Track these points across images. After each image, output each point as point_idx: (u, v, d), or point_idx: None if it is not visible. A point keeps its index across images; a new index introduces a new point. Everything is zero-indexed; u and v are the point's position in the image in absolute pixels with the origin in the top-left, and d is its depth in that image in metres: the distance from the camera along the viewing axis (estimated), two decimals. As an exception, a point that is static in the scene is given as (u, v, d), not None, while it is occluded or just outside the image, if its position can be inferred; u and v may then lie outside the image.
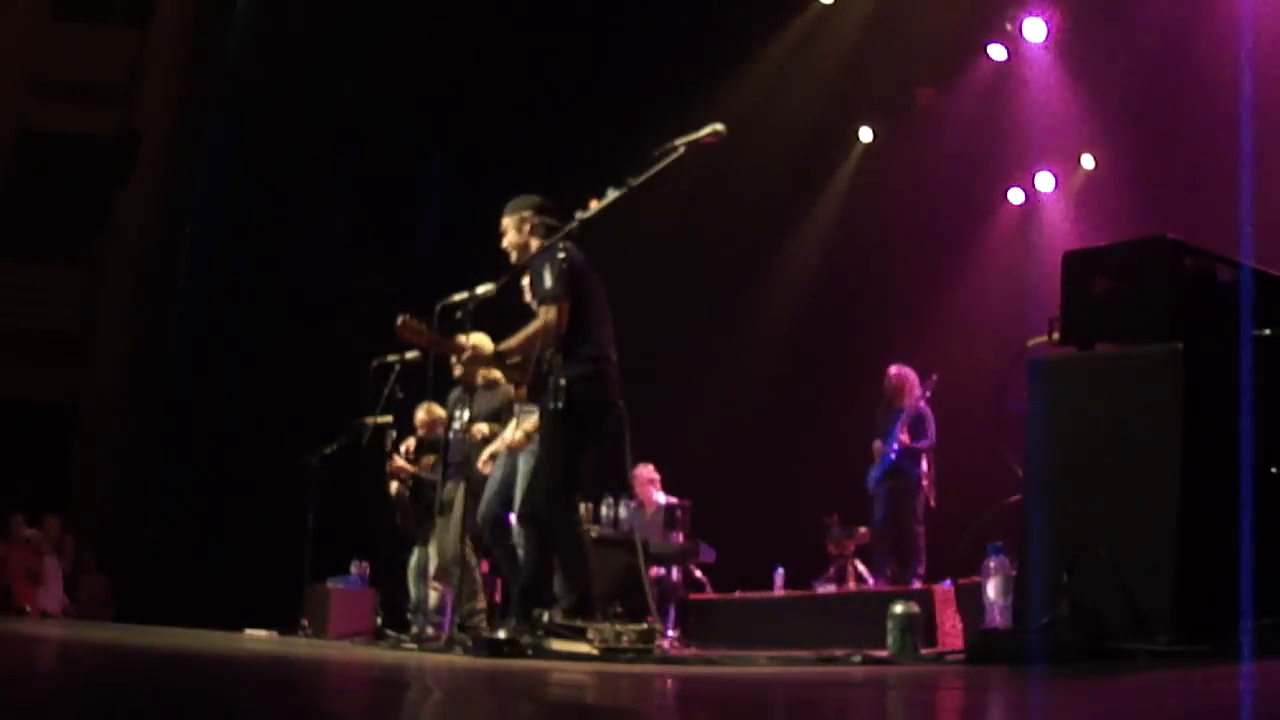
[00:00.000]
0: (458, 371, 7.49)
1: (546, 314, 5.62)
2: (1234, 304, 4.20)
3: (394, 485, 8.53)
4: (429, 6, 12.81)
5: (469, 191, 11.99)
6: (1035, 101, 10.56)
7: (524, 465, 6.54)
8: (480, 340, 6.41)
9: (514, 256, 6.08)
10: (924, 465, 9.19)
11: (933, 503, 9.17)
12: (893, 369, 9.41)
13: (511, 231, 6.02)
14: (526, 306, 6.18)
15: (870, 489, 9.37)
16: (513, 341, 5.83)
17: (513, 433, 6.81)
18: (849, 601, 8.36)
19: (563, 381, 5.44)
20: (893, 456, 9.19)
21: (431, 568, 7.89)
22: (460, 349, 5.95)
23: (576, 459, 5.62)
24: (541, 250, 5.73)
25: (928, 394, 9.27)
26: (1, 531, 11.94)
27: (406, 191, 13.81)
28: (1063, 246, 4.98)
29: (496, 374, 7.27)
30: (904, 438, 9.14)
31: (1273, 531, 3.88)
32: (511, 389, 7.18)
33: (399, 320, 6.00)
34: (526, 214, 5.99)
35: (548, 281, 5.60)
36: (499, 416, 7.32)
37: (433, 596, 7.88)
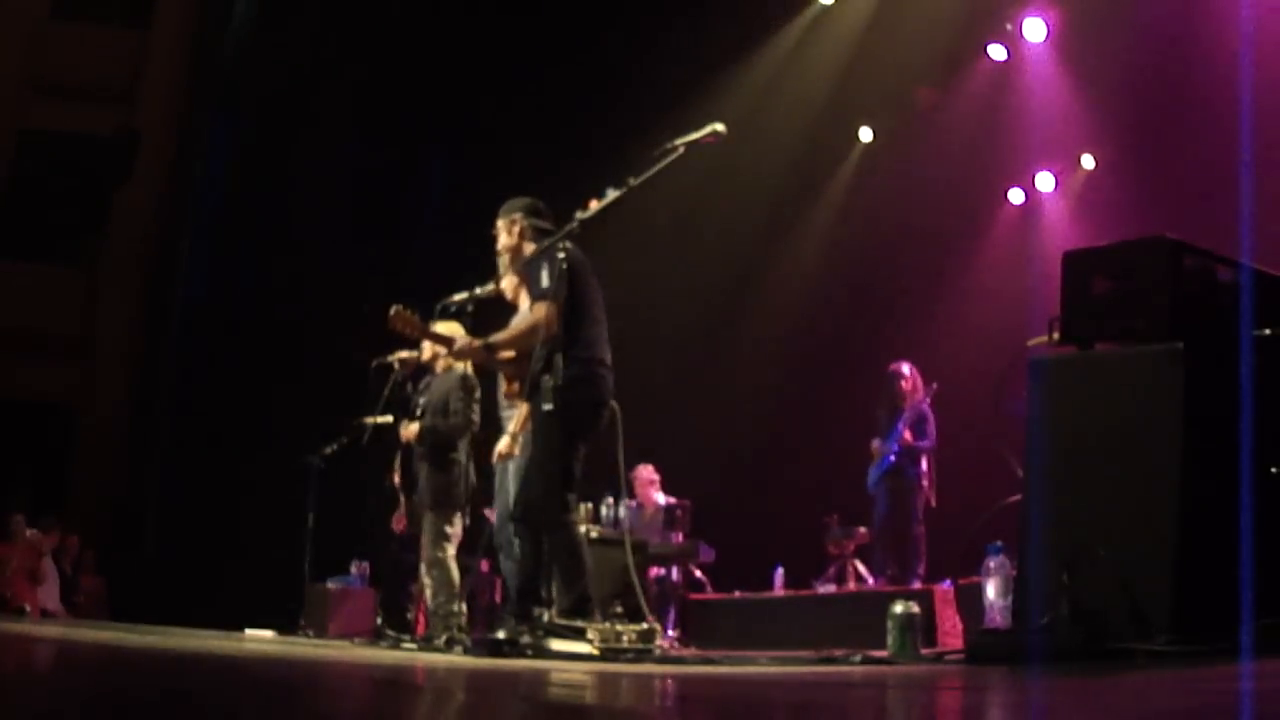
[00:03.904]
0: (425, 355, 7.58)
1: (539, 311, 5.62)
2: (1234, 304, 4.20)
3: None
4: (429, 6, 12.81)
5: (469, 191, 11.99)
6: (1035, 101, 10.56)
7: (515, 466, 6.55)
8: (453, 329, 6.47)
9: (506, 259, 6.09)
10: (924, 465, 9.19)
11: (933, 502, 9.17)
12: (904, 368, 9.39)
13: (503, 234, 6.05)
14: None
15: (870, 489, 9.37)
16: (504, 335, 5.83)
17: (504, 441, 6.86)
18: (849, 601, 8.35)
19: (556, 382, 5.44)
20: (892, 458, 9.18)
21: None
22: (449, 341, 5.96)
23: (571, 459, 5.62)
24: (543, 250, 5.73)
25: (928, 400, 9.26)
26: (2, 532, 11.94)
27: (406, 191, 13.81)
28: (1063, 246, 4.97)
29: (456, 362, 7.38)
30: (908, 435, 9.13)
31: (1273, 531, 3.88)
32: (469, 371, 7.28)
33: (392, 310, 6.03)
34: (517, 216, 6.02)
35: (544, 280, 5.60)
36: (448, 402, 7.40)
37: (429, 594, 7.87)
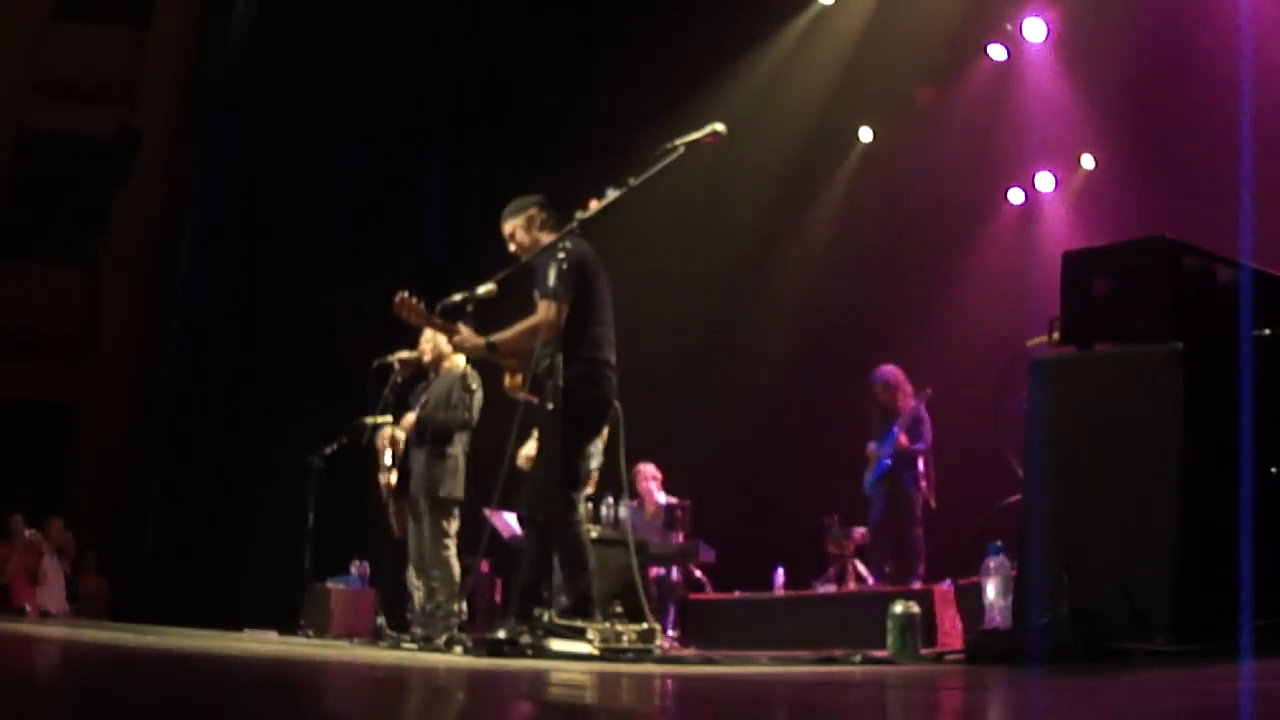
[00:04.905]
0: (426, 358, 7.61)
1: (544, 310, 5.62)
2: (1234, 304, 4.21)
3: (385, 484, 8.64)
4: (429, 6, 12.82)
5: (469, 191, 11.99)
6: (1035, 101, 10.56)
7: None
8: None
9: (526, 258, 6.06)
10: (921, 466, 9.18)
11: (933, 503, 9.16)
12: (881, 373, 9.37)
13: (520, 233, 5.98)
14: (528, 305, 6.20)
15: (866, 490, 9.37)
16: (508, 333, 5.82)
17: (531, 445, 6.88)
18: (849, 601, 8.36)
19: (561, 383, 5.43)
20: (888, 461, 9.18)
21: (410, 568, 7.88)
22: (454, 331, 5.96)
23: (576, 459, 5.62)
24: (546, 247, 5.73)
25: (924, 403, 9.25)
26: (2, 532, 11.94)
27: (406, 191, 13.81)
28: (1063, 246, 4.98)
29: (455, 361, 7.34)
30: (903, 439, 9.13)
31: (1273, 531, 3.88)
32: (470, 369, 7.26)
33: (397, 297, 6.02)
34: (533, 212, 5.97)
35: (550, 279, 5.59)
36: (450, 396, 7.40)
37: (416, 596, 7.89)
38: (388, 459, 8.47)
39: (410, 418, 7.59)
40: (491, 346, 5.85)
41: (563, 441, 5.49)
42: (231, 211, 13.82)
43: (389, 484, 8.40)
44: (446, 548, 7.38)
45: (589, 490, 7.43)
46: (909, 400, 9.25)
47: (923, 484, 9.16)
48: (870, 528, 9.33)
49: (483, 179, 11.18)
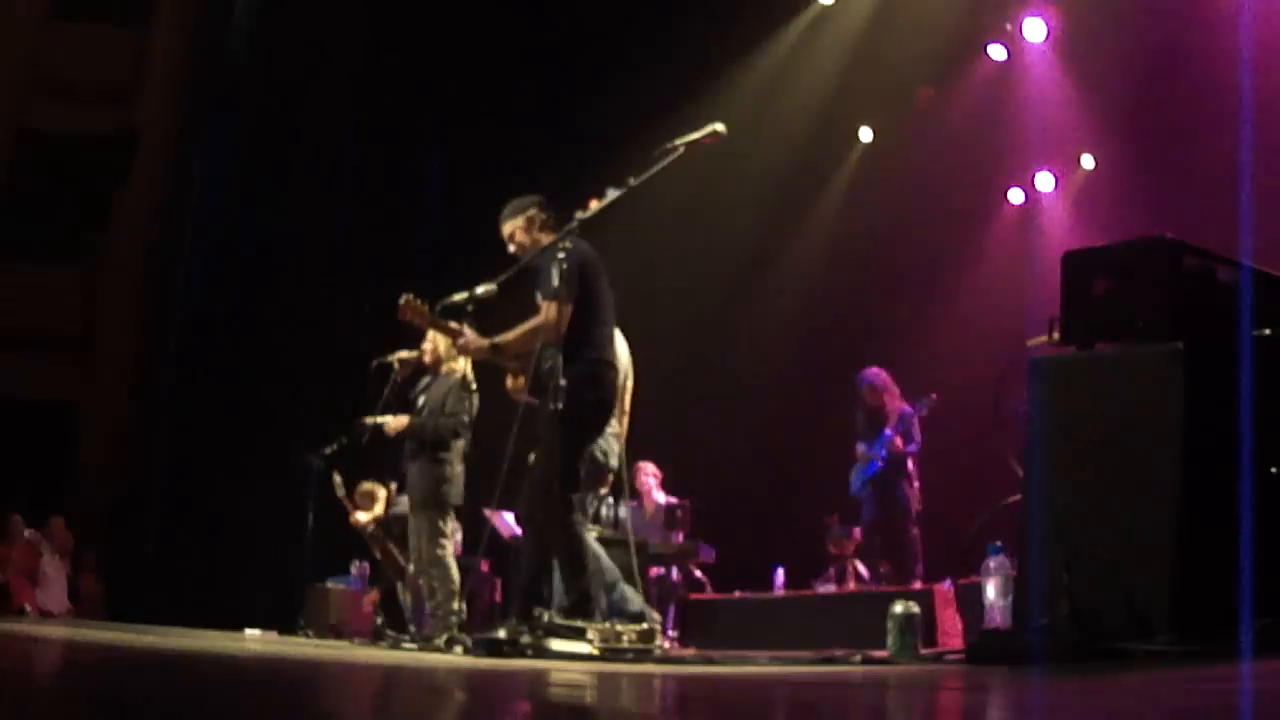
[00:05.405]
0: (427, 358, 7.61)
1: (548, 311, 5.62)
2: (1234, 304, 4.21)
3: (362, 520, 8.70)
4: (430, 6, 12.82)
5: (469, 191, 11.99)
6: (1035, 101, 10.56)
7: None
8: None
9: (526, 259, 6.06)
10: (910, 466, 9.19)
11: (920, 505, 9.17)
12: (868, 375, 9.35)
13: (520, 233, 5.97)
14: (528, 305, 6.20)
15: (855, 492, 9.36)
16: (511, 335, 5.83)
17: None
18: (849, 601, 8.35)
19: (563, 382, 5.43)
20: (879, 464, 9.18)
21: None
22: (457, 333, 5.96)
23: (576, 459, 5.62)
24: (546, 248, 5.73)
25: (923, 412, 9.23)
26: (1, 532, 11.93)
27: (406, 191, 13.81)
28: (1063, 246, 4.98)
29: (455, 364, 7.35)
30: (898, 441, 9.13)
31: (1273, 531, 3.88)
32: (469, 373, 7.31)
33: (401, 299, 6.01)
34: (533, 213, 5.97)
35: (554, 280, 5.59)
36: (447, 401, 7.42)
37: (406, 597, 7.87)
38: (362, 517, 8.57)
39: (402, 419, 7.58)
40: (495, 348, 5.85)
41: (563, 442, 5.50)
42: (232, 212, 13.82)
43: (373, 522, 8.46)
44: (442, 547, 7.38)
45: (603, 490, 7.44)
46: (896, 402, 9.25)
47: (915, 484, 9.17)
48: (863, 529, 9.34)
49: (482, 179, 11.17)
